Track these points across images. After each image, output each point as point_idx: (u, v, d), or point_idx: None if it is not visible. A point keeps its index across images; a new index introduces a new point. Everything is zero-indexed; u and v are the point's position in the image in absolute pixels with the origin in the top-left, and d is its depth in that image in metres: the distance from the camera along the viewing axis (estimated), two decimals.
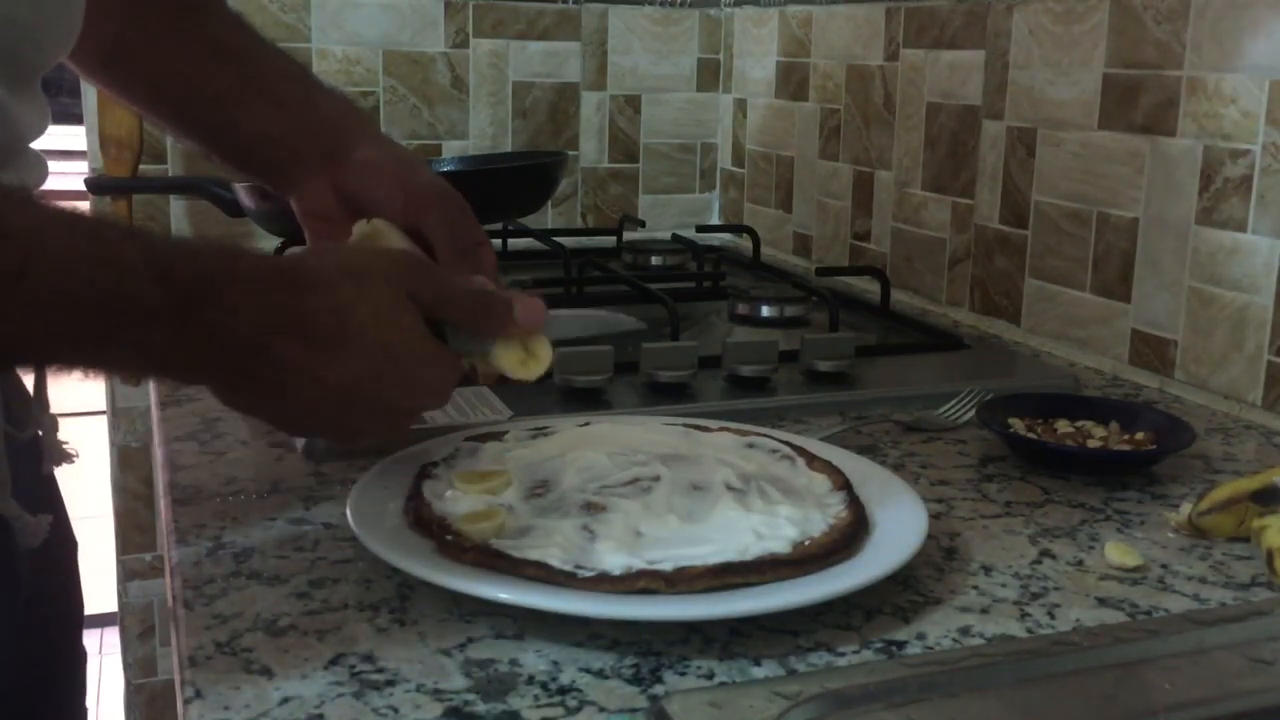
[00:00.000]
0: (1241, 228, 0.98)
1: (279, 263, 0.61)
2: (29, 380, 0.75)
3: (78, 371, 0.56)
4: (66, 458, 0.78)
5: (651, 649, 0.58)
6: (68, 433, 0.77)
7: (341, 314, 0.59)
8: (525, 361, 0.68)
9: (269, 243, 1.42)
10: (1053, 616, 0.63)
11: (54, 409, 0.75)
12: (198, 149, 0.83)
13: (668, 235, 1.54)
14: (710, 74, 1.80)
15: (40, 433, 0.75)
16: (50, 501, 0.77)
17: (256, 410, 0.63)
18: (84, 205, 1.56)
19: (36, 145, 0.69)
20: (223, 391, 0.61)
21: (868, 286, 1.36)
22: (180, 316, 0.55)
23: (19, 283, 0.50)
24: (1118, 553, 0.69)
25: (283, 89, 0.80)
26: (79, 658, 0.82)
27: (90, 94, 1.49)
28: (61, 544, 0.79)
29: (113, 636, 1.65)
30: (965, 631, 0.61)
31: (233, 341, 0.57)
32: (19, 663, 0.70)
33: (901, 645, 0.59)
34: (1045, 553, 0.71)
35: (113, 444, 1.63)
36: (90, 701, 0.86)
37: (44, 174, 0.70)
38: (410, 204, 0.75)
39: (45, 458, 0.75)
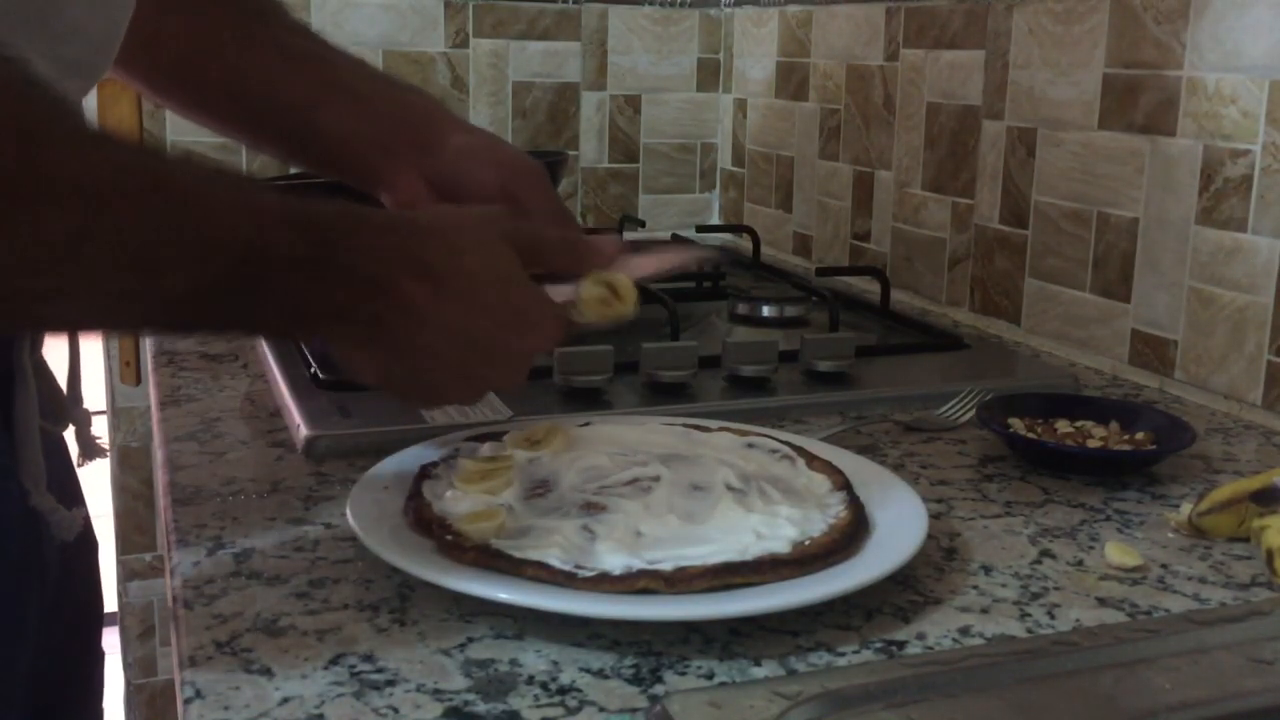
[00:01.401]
0: (1242, 228, 0.98)
1: (389, 213, 0.64)
2: (62, 375, 0.76)
3: (227, 331, 0.59)
4: (100, 452, 0.79)
5: (651, 649, 0.58)
6: (68, 433, 0.77)
7: (455, 255, 0.62)
8: (608, 300, 0.70)
9: None
10: (1053, 616, 0.63)
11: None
12: (277, 156, 0.85)
13: (668, 235, 1.54)
14: (710, 74, 1.81)
15: (74, 427, 0.76)
16: (80, 497, 0.77)
17: (383, 370, 0.63)
18: None
19: None
20: (354, 351, 0.62)
21: (868, 286, 1.36)
22: (316, 261, 0.57)
23: (176, 235, 0.51)
24: (1118, 553, 0.69)
25: (362, 88, 0.81)
26: (98, 657, 0.83)
27: (91, 95, 1.49)
28: (86, 541, 0.79)
29: (112, 636, 1.65)
30: (965, 631, 0.61)
31: (363, 284, 0.59)
32: (44, 658, 0.71)
33: (901, 645, 0.59)
34: (1045, 553, 0.71)
35: (113, 444, 1.63)
36: None
37: None
38: (506, 180, 0.77)
39: (81, 452, 0.76)
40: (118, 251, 0.50)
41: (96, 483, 0.81)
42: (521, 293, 0.65)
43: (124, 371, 1.58)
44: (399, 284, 0.60)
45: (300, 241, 0.56)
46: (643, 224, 1.60)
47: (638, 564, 0.59)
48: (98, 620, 0.83)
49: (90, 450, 0.78)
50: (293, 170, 1.56)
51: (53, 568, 0.69)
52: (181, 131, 1.56)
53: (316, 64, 0.81)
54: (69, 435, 0.78)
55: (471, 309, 0.62)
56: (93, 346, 0.80)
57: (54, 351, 0.74)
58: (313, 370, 0.94)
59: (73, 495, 0.72)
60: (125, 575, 1.66)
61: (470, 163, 0.79)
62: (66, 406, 0.74)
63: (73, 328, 0.62)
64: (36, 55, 0.47)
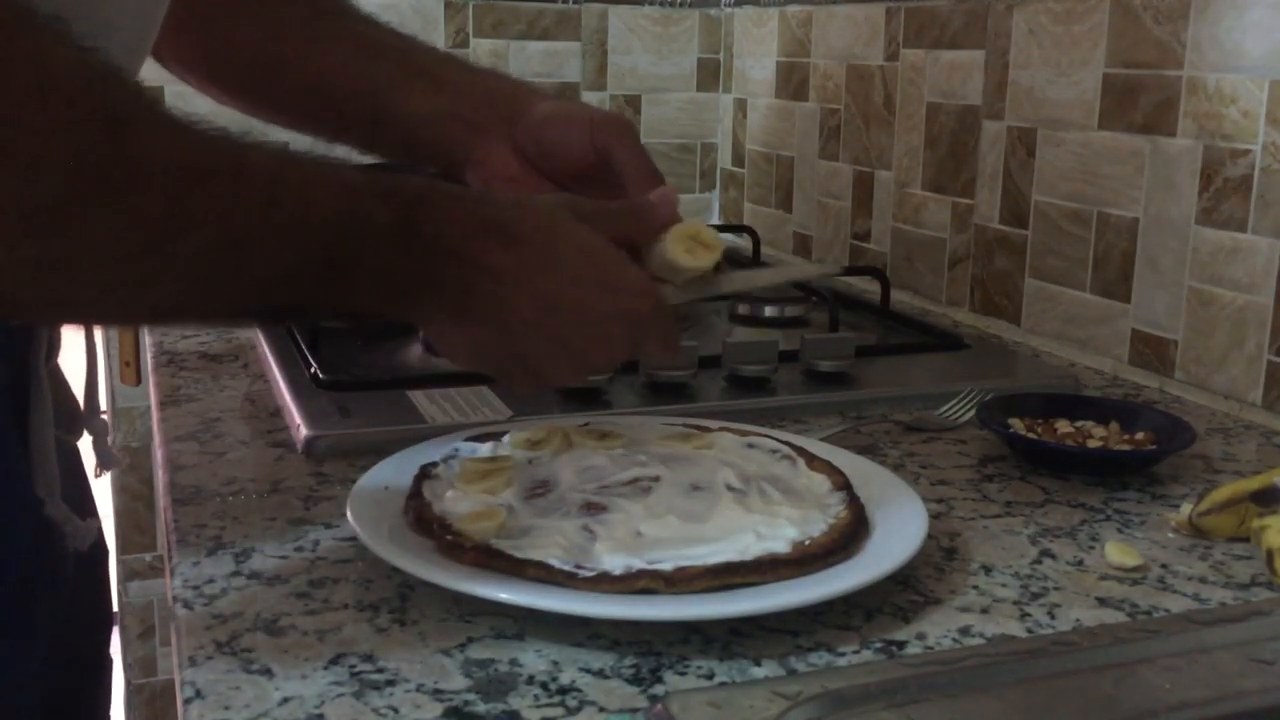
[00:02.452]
0: (1242, 228, 0.98)
1: (466, 188, 0.64)
2: (79, 385, 0.76)
3: (324, 311, 0.59)
4: (116, 462, 0.78)
5: (652, 649, 0.58)
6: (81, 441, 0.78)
7: (535, 223, 0.62)
8: (693, 249, 0.68)
9: None
10: (1053, 616, 0.63)
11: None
12: (361, 147, 0.84)
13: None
14: (710, 74, 1.80)
15: (91, 437, 0.75)
16: (94, 506, 0.77)
17: (477, 347, 0.63)
18: None
19: None
20: (446, 328, 0.62)
21: (868, 286, 1.36)
22: (405, 232, 0.57)
23: (270, 212, 0.52)
24: (1118, 553, 0.69)
25: (444, 71, 0.81)
26: (107, 663, 0.82)
27: None
28: (98, 550, 0.79)
29: (112, 636, 1.65)
30: (965, 631, 0.61)
31: (449, 254, 0.59)
32: (56, 664, 0.71)
33: (901, 645, 0.59)
34: (1045, 553, 0.71)
35: (113, 444, 1.63)
36: None
37: None
38: (596, 138, 0.76)
39: (99, 462, 0.76)
40: (212, 231, 0.50)
41: (96, 483, 0.81)
42: (605, 256, 0.63)
43: (124, 371, 1.58)
44: (484, 250, 0.59)
45: (385, 210, 0.56)
46: None
47: (638, 564, 0.59)
48: (107, 627, 0.83)
49: (107, 461, 0.77)
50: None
51: (67, 576, 0.69)
52: None
53: (394, 52, 0.80)
54: (84, 445, 0.78)
55: (558, 273, 0.61)
56: (99, 344, 0.79)
57: (70, 361, 0.75)
58: (313, 370, 0.94)
59: (87, 505, 0.72)
60: (125, 575, 1.66)
61: (557, 125, 0.77)
62: (83, 416, 0.74)
63: (167, 318, 0.62)
64: None
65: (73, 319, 0.61)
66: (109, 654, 0.83)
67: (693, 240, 0.68)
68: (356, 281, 0.57)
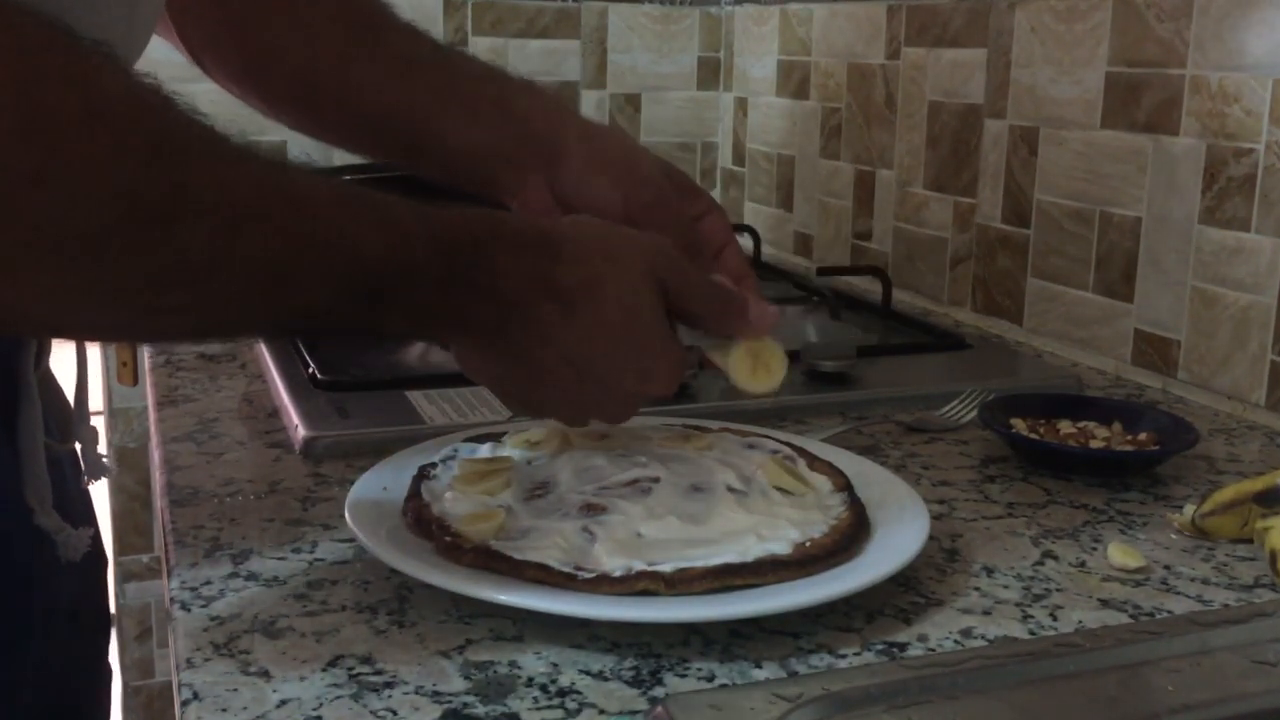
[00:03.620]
0: (1245, 227, 0.97)
1: (541, 228, 0.62)
2: (70, 391, 0.75)
3: (349, 335, 0.60)
4: (105, 470, 0.77)
5: (652, 651, 0.57)
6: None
7: (592, 286, 0.61)
8: (755, 372, 0.69)
9: None
10: (1055, 618, 0.62)
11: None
12: (407, 170, 0.82)
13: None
14: (711, 72, 1.80)
15: (80, 445, 0.75)
16: (88, 514, 0.76)
17: (494, 375, 0.63)
18: None
19: None
20: (473, 354, 0.62)
21: (869, 286, 1.36)
22: (449, 278, 0.56)
23: (313, 251, 0.51)
24: (1120, 554, 0.69)
25: (478, 92, 0.79)
26: (105, 673, 0.82)
27: None
28: (96, 558, 0.78)
29: (111, 643, 1.65)
30: (967, 633, 0.60)
31: (493, 301, 0.59)
32: (55, 673, 0.70)
33: (903, 647, 0.59)
34: (1047, 554, 0.70)
35: (110, 444, 1.63)
36: None
37: None
38: (629, 204, 0.75)
39: (87, 470, 0.75)
40: (254, 271, 0.49)
41: (94, 483, 0.80)
42: (651, 337, 0.63)
43: (121, 372, 1.57)
44: (529, 303, 0.59)
45: (437, 260, 0.56)
46: None
47: (638, 565, 0.59)
48: (105, 634, 0.82)
49: (97, 469, 0.76)
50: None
51: (63, 584, 0.68)
52: None
53: (430, 71, 0.79)
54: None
55: (596, 341, 0.61)
56: (90, 349, 0.78)
57: (60, 365, 0.74)
58: (311, 371, 0.94)
59: (79, 514, 0.71)
60: (122, 576, 1.66)
61: (588, 182, 0.76)
62: (73, 423, 0.73)
63: (201, 338, 0.61)
64: None
65: (91, 339, 0.61)
66: (107, 662, 0.82)
67: (757, 362, 0.69)
68: (391, 316, 0.57)
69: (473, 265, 0.57)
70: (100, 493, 1.61)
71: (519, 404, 0.66)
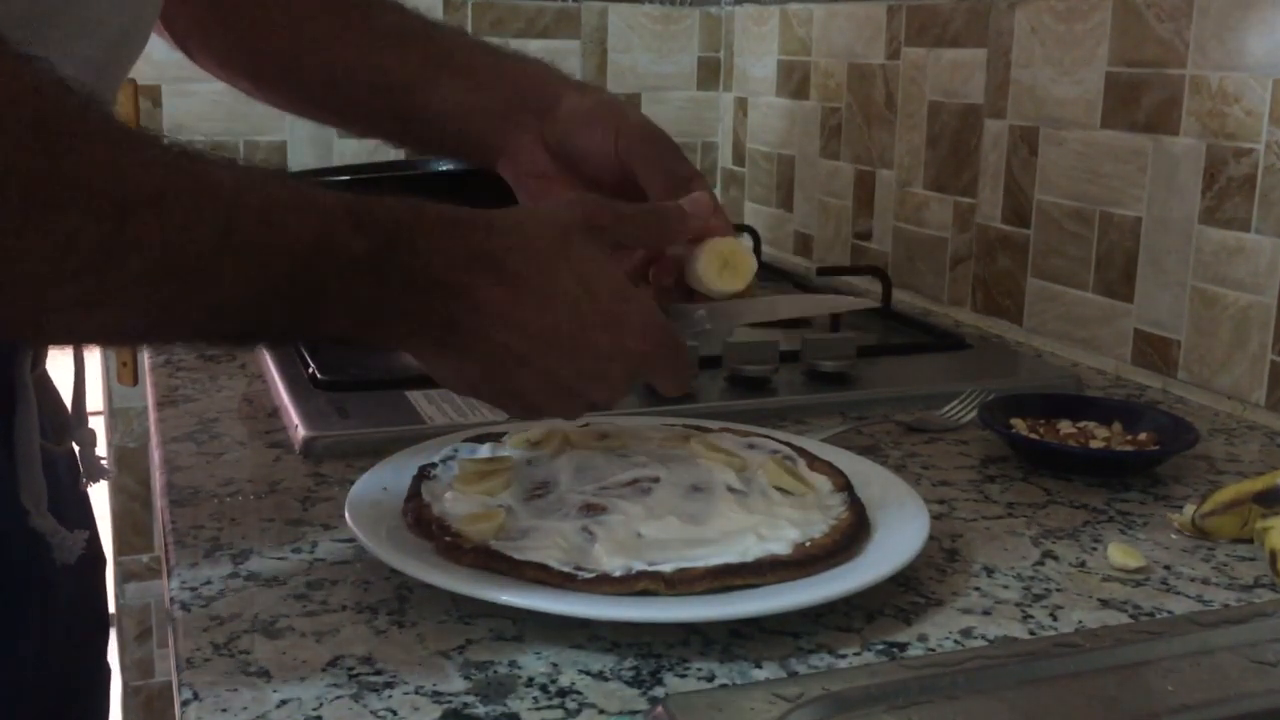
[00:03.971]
0: (1245, 227, 0.97)
1: (465, 210, 0.59)
2: (67, 393, 0.75)
3: (290, 338, 0.55)
4: (104, 473, 0.77)
5: (652, 651, 0.57)
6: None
7: (534, 255, 0.58)
8: (722, 272, 0.67)
9: None
10: (1055, 618, 0.62)
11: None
12: (391, 141, 0.81)
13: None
14: (711, 72, 1.80)
15: (77, 447, 0.74)
16: (85, 517, 0.76)
17: (467, 376, 0.60)
18: None
19: None
20: (438, 360, 0.59)
21: (869, 286, 1.36)
22: (381, 263, 0.54)
23: (227, 238, 0.49)
24: (1120, 554, 0.69)
25: (471, 60, 0.77)
26: (104, 674, 0.82)
27: None
28: (94, 559, 0.78)
29: (109, 645, 1.65)
30: (967, 633, 0.60)
31: (432, 286, 0.56)
32: (53, 679, 0.70)
33: (903, 647, 0.59)
34: (1048, 554, 0.70)
35: (110, 445, 1.63)
36: None
37: None
38: (620, 147, 0.73)
39: (82, 473, 0.74)
40: (158, 258, 0.47)
41: (91, 490, 0.80)
42: (610, 289, 0.60)
43: (121, 372, 1.57)
44: (472, 285, 0.56)
45: (362, 240, 0.53)
46: None
47: (638, 565, 0.59)
48: (103, 636, 0.82)
49: (94, 472, 0.76)
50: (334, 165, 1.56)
51: (60, 587, 0.68)
52: (179, 130, 1.55)
53: (420, 42, 0.78)
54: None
55: (553, 309, 0.58)
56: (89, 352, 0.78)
57: (58, 368, 0.74)
58: (311, 370, 0.94)
59: (76, 516, 0.71)
60: (122, 576, 1.66)
61: (582, 127, 0.74)
62: (70, 425, 0.73)
63: (115, 339, 0.58)
64: (48, 53, 0.45)
65: (19, 337, 0.59)
66: (106, 663, 0.82)
67: (725, 262, 0.67)
68: (328, 311, 0.54)
69: (404, 250, 0.55)
70: (100, 493, 1.61)
71: (507, 404, 0.63)
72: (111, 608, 1.66)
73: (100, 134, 0.46)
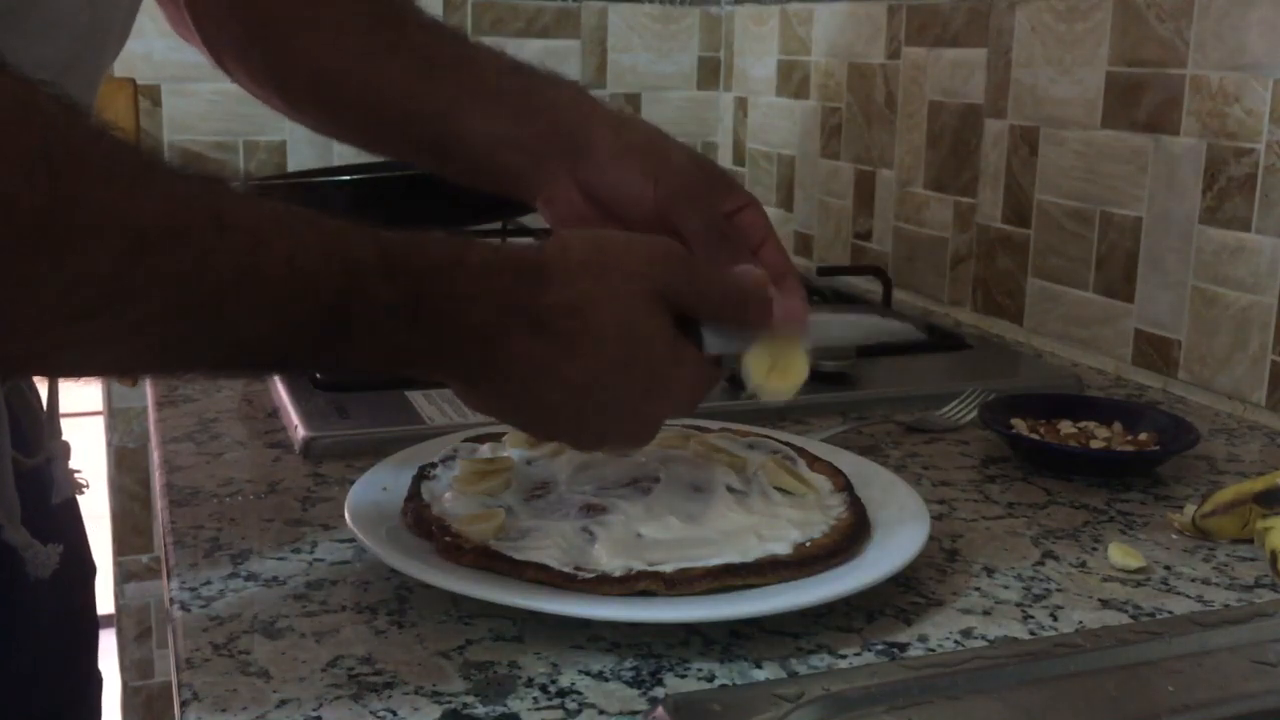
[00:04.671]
0: (1246, 227, 0.97)
1: (514, 253, 0.57)
2: (41, 404, 0.74)
3: (307, 373, 0.54)
4: (77, 488, 0.75)
5: (652, 651, 0.57)
6: (65, 433, 0.76)
7: (579, 311, 0.56)
8: (771, 373, 0.64)
9: None
10: (1055, 618, 0.62)
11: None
12: (432, 171, 0.79)
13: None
14: (711, 72, 1.80)
15: (50, 460, 0.73)
16: (65, 527, 0.74)
17: (498, 410, 0.60)
18: None
19: None
20: (463, 389, 0.58)
21: (869, 286, 1.36)
22: (412, 310, 0.52)
23: (249, 280, 0.47)
24: (1121, 554, 0.69)
25: (501, 87, 0.75)
26: (95, 683, 0.81)
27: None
28: (79, 569, 0.77)
29: (109, 639, 1.64)
30: (967, 633, 0.60)
31: (466, 334, 0.54)
32: (36, 689, 0.70)
33: (903, 647, 0.59)
34: (1048, 554, 0.70)
35: (109, 445, 1.63)
36: None
37: None
38: (660, 196, 0.70)
39: (54, 488, 0.73)
40: (175, 298, 0.45)
41: (93, 484, 0.79)
42: (657, 354, 0.58)
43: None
44: (508, 336, 0.55)
45: (392, 289, 0.51)
46: None
47: (638, 565, 0.59)
48: (93, 646, 0.81)
49: (64, 486, 0.74)
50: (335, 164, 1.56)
51: (38, 599, 0.67)
52: (178, 130, 1.56)
53: (454, 67, 0.75)
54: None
55: (595, 367, 0.56)
56: None
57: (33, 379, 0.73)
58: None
59: (50, 530, 0.69)
60: (122, 577, 1.66)
61: (622, 175, 0.71)
62: (44, 437, 0.72)
63: (126, 373, 0.56)
64: (10, 54, 0.43)
65: (26, 374, 0.57)
66: (97, 673, 0.81)
67: (773, 364, 0.64)
68: (352, 352, 0.53)
69: (439, 297, 0.53)
70: (100, 494, 1.61)
71: (530, 431, 0.62)
72: (111, 608, 1.66)
73: (114, 164, 0.44)
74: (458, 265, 0.54)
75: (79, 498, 0.78)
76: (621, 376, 0.57)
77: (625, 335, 0.57)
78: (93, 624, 0.81)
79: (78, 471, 0.76)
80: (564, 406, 0.58)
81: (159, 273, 0.44)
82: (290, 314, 0.49)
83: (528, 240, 0.69)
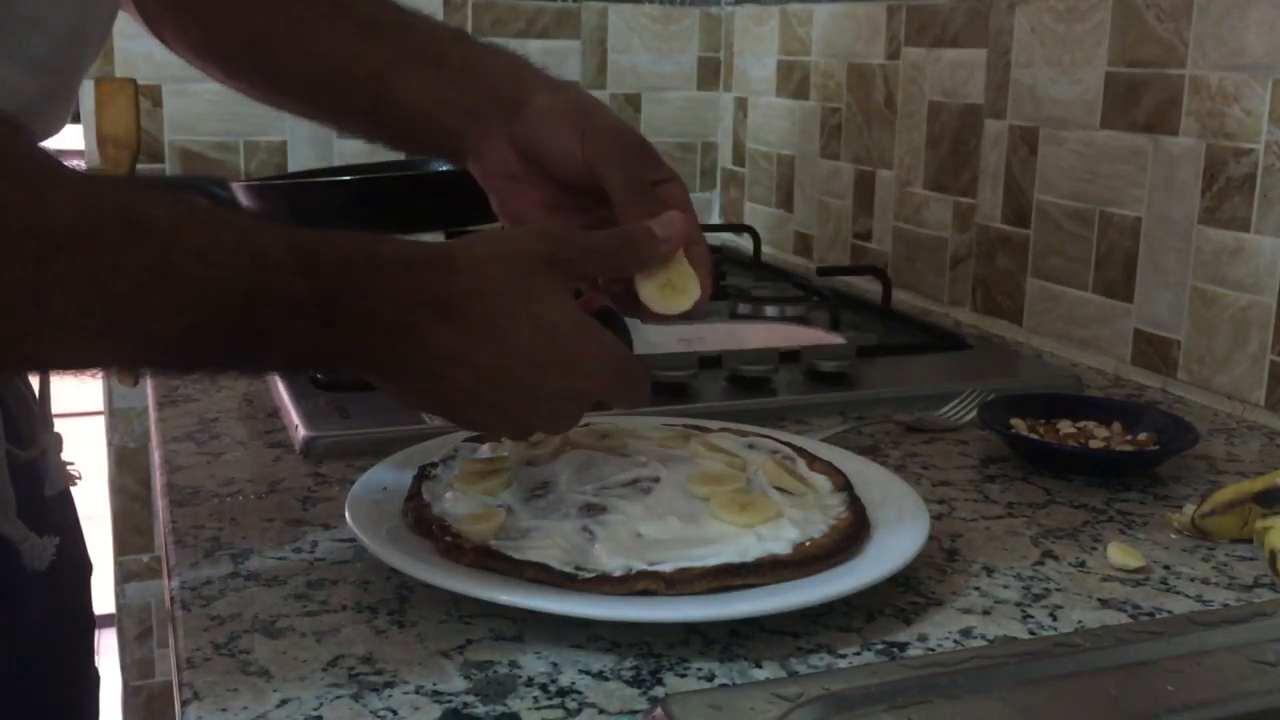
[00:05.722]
0: (1245, 227, 0.97)
1: (421, 247, 0.58)
2: (34, 397, 0.74)
3: (230, 371, 0.55)
4: (69, 480, 0.76)
5: (652, 651, 0.57)
6: (66, 433, 0.76)
7: (489, 297, 0.57)
8: (664, 291, 0.65)
9: None
10: (1055, 618, 0.62)
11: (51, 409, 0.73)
12: (362, 135, 0.79)
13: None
14: (711, 72, 1.80)
15: (44, 452, 0.73)
16: (61, 522, 0.75)
17: (421, 402, 0.61)
18: None
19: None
20: (383, 382, 0.59)
21: (869, 286, 1.36)
22: (326, 306, 0.53)
23: (161, 277, 0.48)
24: (1120, 554, 0.69)
25: (442, 52, 0.75)
26: (92, 680, 0.81)
27: (88, 92, 1.49)
28: (74, 565, 0.77)
29: (110, 638, 1.65)
30: (967, 633, 0.60)
31: (380, 328, 0.55)
32: (31, 686, 0.70)
33: (903, 647, 0.59)
34: (1047, 554, 0.70)
35: (110, 444, 1.63)
36: None
37: None
38: (587, 150, 0.70)
39: (47, 480, 0.73)
40: (88, 297, 0.46)
41: (94, 484, 0.79)
42: (568, 332, 0.59)
43: (121, 372, 1.57)
44: (423, 327, 0.56)
45: (305, 284, 0.52)
46: None
47: (638, 565, 0.59)
48: (89, 641, 0.81)
49: (58, 478, 0.74)
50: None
51: (34, 593, 0.67)
52: (179, 130, 1.56)
53: (392, 32, 0.75)
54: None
55: (506, 352, 0.57)
56: None
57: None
58: None
59: (45, 523, 0.69)
60: (123, 576, 1.66)
61: (549, 127, 0.71)
62: (37, 431, 0.71)
63: (52, 370, 0.57)
64: None
65: None
66: (94, 668, 0.81)
67: (666, 282, 0.65)
68: (268, 348, 0.53)
69: (352, 294, 0.54)
70: (100, 494, 1.61)
71: (459, 423, 0.63)
72: (112, 608, 1.66)
73: (23, 170, 0.45)
74: (370, 261, 0.55)
75: (78, 499, 0.78)
76: (534, 361, 0.58)
77: (530, 318, 0.58)
78: (89, 621, 0.81)
79: (70, 464, 0.76)
80: (480, 394, 0.58)
81: (70, 274, 0.46)
82: (203, 311, 0.50)
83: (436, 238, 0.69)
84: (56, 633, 0.74)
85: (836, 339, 0.77)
